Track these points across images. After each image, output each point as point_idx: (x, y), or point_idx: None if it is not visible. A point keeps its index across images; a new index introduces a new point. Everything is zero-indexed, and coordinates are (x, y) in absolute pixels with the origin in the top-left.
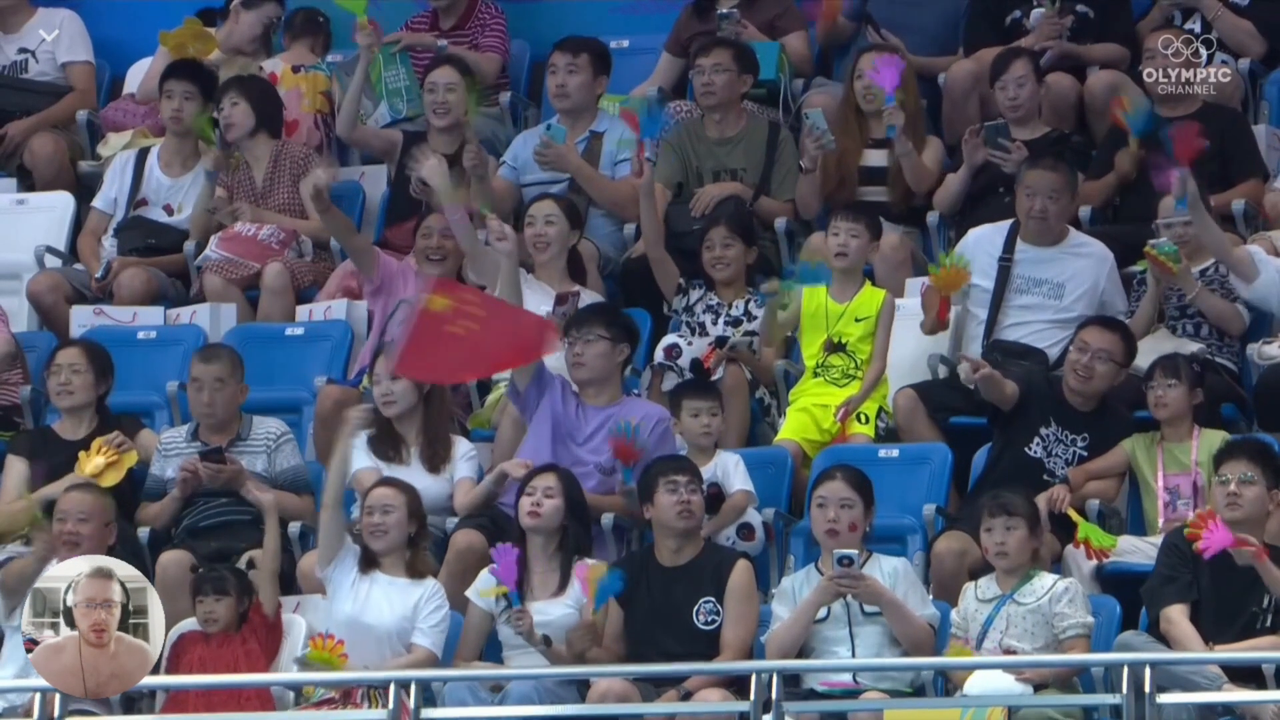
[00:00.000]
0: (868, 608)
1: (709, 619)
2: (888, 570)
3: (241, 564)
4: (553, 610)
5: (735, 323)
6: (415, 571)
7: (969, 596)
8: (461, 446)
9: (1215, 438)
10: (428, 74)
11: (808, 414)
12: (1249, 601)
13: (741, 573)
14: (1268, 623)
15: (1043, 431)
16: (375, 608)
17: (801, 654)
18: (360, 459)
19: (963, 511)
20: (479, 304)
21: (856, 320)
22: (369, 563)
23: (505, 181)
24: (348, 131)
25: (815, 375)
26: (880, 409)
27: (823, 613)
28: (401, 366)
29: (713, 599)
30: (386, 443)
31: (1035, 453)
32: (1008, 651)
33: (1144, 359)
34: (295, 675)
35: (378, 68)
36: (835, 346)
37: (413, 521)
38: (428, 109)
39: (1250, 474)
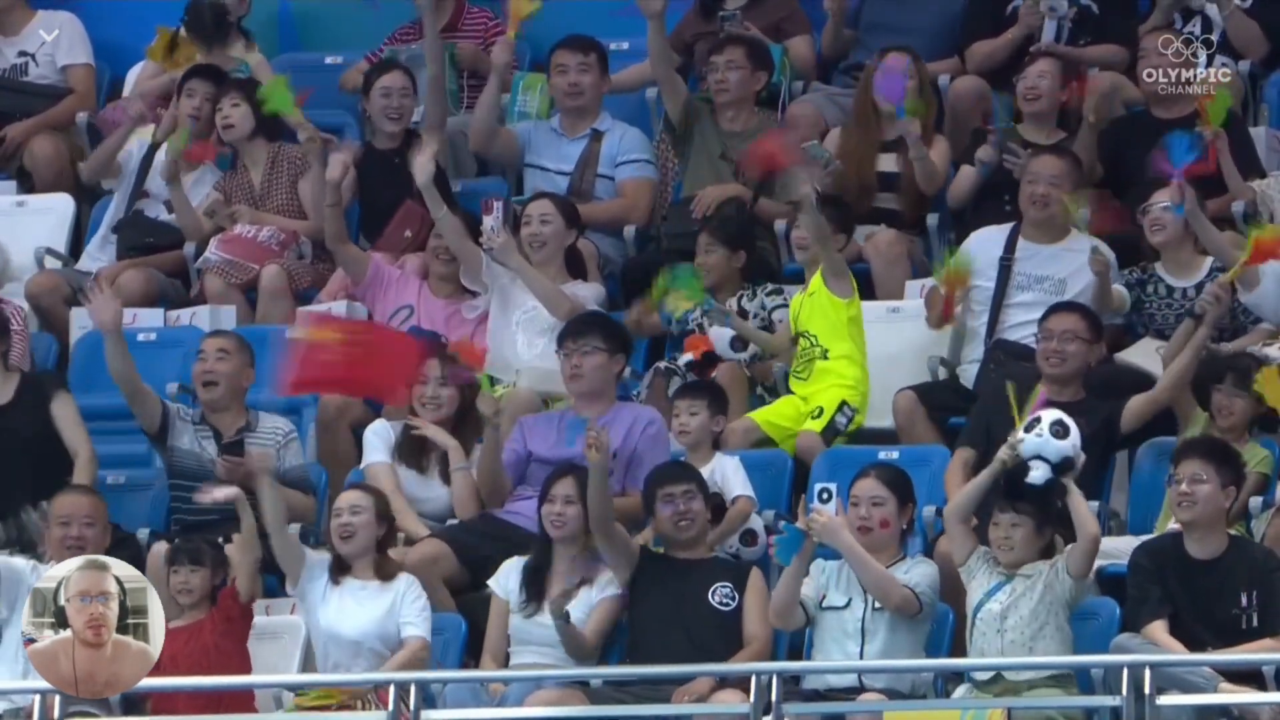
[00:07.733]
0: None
1: (724, 601)
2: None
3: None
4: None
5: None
6: (385, 574)
7: (985, 566)
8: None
9: (1259, 453)
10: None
11: (787, 402)
12: (1227, 603)
13: (757, 576)
14: (1253, 622)
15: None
16: (350, 616)
17: (808, 651)
18: (376, 453)
19: None
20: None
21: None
22: (340, 569)
23: (511, 133)
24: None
25: (795, 374)
26: (844, 402)
27: (841, 601)
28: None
29: (729, 584)
30: (411, 448)
31: None
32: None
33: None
34: (295, 676)
35: None
36: (799, 336)
37: (381, 524)
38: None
39: (1201, 473)
